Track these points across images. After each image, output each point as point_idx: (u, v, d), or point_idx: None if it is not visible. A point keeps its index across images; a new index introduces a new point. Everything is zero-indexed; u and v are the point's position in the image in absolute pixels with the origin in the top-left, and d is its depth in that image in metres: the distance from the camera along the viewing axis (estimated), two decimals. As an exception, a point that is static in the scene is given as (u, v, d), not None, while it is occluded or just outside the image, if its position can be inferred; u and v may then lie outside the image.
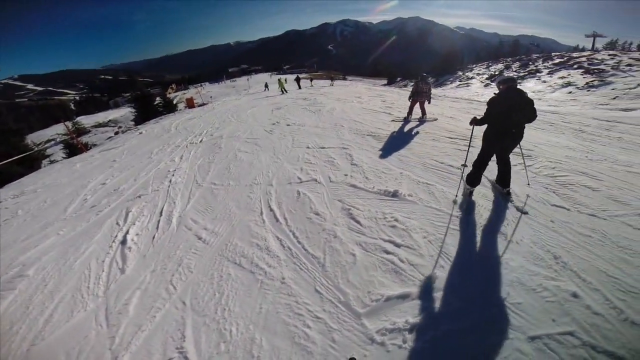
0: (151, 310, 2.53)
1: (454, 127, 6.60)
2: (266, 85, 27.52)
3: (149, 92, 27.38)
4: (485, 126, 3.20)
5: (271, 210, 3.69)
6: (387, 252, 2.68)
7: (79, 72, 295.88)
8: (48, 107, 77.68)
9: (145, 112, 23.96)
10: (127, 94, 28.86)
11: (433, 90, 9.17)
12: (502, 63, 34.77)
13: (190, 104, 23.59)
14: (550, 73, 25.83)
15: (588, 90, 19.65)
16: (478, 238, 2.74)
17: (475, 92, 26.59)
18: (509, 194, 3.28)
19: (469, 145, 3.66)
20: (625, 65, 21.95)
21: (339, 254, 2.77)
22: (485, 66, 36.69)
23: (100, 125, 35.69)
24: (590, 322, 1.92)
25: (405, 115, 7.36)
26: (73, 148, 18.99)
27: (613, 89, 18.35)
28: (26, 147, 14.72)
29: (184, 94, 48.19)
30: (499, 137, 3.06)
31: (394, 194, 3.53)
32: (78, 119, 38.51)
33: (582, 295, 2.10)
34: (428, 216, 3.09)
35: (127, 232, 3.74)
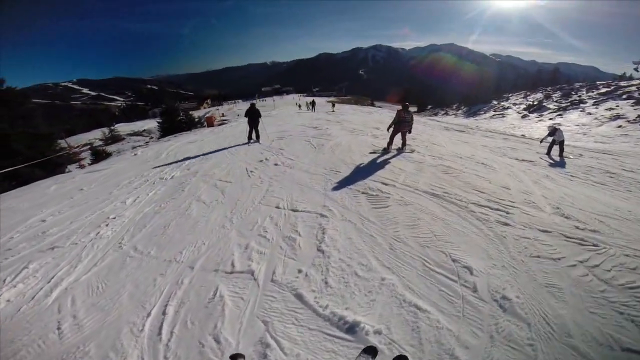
0: None
1: (485, 183, 4.96)
2: (299, 106, 33.80)
3: (174, 106, 27.97)
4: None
5: (164, 313, 2.38)
6: None
7: (129, 80, 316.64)
8: (95, 112, 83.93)
9: (169, 127, 24.23)
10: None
11: (465, 121, 7.75)
12: (542, 92, 31.91)
13: (209, 122, 23.49)
14: (595, 104, 22.79)
15: (644, 126, 16.77)
16: None
17: (511, 123, 24.06)
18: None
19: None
20: (689, 100, 18.82)
21: None
22: (522, 95, 33.90)
23: (135, 133, 37.02)
24: None
25: (386, 146, 7.01)
26: (99, 154, 19.63)
27: (675, 126, 15.47)
28: (52, 152, 14.67)
29: (217, 109, 49.65)
30: (254, 122, 8.93)
31: (351, 329, 2.02)
32: (116, 125, 40.45)
33: None
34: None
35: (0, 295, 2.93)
